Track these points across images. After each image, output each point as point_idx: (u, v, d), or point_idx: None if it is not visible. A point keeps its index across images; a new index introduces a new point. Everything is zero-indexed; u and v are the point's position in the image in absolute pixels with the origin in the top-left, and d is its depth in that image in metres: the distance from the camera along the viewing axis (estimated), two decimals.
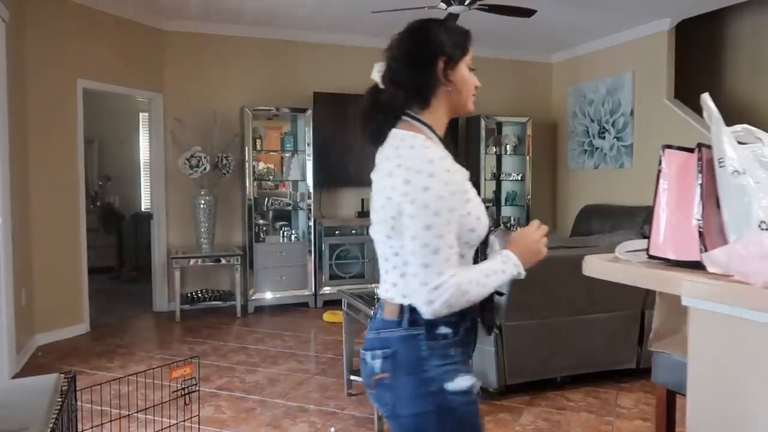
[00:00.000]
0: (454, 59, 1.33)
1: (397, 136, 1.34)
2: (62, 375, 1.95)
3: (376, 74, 1.38)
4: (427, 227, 1.22)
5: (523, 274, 1.32)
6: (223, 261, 5.65)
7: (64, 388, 1.89)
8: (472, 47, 1.38)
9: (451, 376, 1.29)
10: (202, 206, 5.59)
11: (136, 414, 2.85)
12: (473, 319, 1.38)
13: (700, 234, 1.13)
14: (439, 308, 1.24)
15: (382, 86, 1.37)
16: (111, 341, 4.76)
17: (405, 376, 1.30)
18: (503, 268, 1.30)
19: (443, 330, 1.30)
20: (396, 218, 1.28)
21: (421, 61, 1.33)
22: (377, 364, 1.33)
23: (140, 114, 7.93)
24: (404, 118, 1.35)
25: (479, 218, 1.31)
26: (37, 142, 4.62)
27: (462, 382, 1.30)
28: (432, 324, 1.29)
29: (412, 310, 1.30)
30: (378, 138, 1.39)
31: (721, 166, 1.13)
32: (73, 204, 4.95)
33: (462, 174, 1.32)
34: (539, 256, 1.35)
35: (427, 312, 1.25)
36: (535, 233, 1.36)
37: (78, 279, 4.99)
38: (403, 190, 1.25)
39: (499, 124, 6.83)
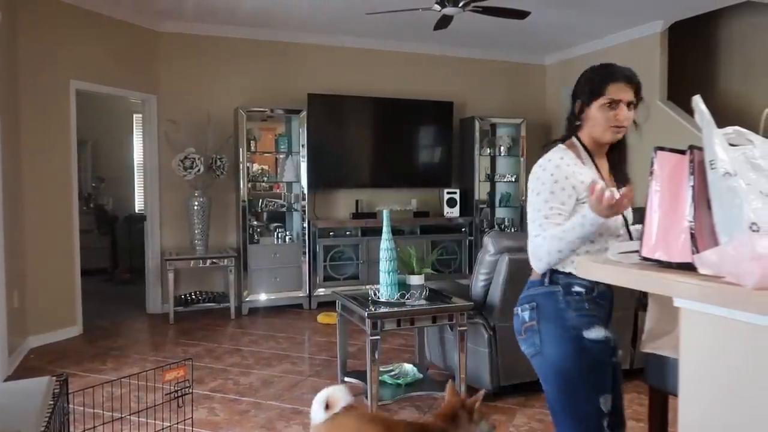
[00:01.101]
0: (585, 103, 1.74)
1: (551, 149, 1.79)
2: (54, 378, 1.94)
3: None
4: (530, 204, 1.70)
5: (601, 219, 1.56)
6: (218, 262, 5.64)
7: (56, 390, 1.88)
8: (613, 86, 1.71)
9: (587, 325, 1.67)
10: (196, 208, 5.58)
11: (129, 416, 2.84)
12: (602, 285, 1.67)
13: (692, 236, 1.13)
14: (537, 263, 1.69)
15: None
16: (104, 343, 4.73)
17: (548, 322, 1.70)
18: (581, 221, 1.59)
19: (577, 288, 1.69)
20: (528, 208, 1.75)
21: (572, 101, 1.80)
22: (526, 314, 1.75)
23: (134, 115, 7.90)
24: (572, 137, 1.79)
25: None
26: (30, 144, 4.60)
27: (595, 332, 1.66)
28: (567, 284, 1.69)
29: (552, 272, 1.72)
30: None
31: (712, 168, 1.13)
32: (66, 205, 4.93)
33: (577, 179, 1.68)
34: (612, 211, 1.54)
35: (536, 267, 1.72)
36: (596, 204, 1.54)
37: (71, 281, 4.97)
38: (529, 185, 1.76)
39: (494, 126, 6.85)
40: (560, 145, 1.76)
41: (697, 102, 1.19)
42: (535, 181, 1.71)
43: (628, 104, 1.72)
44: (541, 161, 1.73)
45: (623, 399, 1.81)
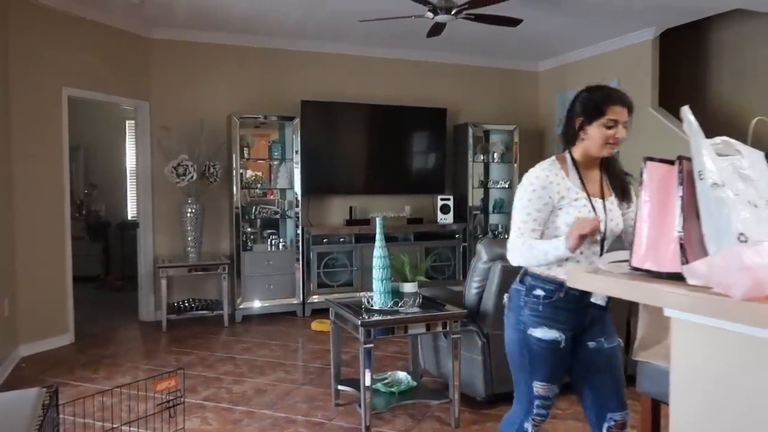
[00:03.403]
0: (586, 121, 1.94)
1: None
2: (44, 389, 1.92)
3: None
4: (514, 206, 1.99)
5: (564, 246, 1.82)
6: (211, 270, 5.60)
7: (46, 402, 1.87)
8: (613, 108, 1.90)
9: (535, 324, 1.93)
10: (189, 214, 5.56)
11: (120, 427, 2.82)
12: (570, 292, 1.89)
13: (681, 246, 1.14)
14: (511, 258, 1.97)
15: None
16: (96, 352, 4.70)
17: (511, 312, 2.03)
18: (555, 249, 1.84)
19: (537, 292, 1.95)
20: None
21: (568, 118, 2.00)
22: (505, 301, 2.09)
23: (127, 122, 7.89)
24: (565, 151, 2.03)
25: (570, 219, 1.90)
26: (22, 150, 4.57)
27: (541, 332, 1.93)
28: (531, 286, 1.97)
29: (525, 272, 2.02)
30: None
31: (701, 179, 1.14)
32: (58, 212, 4.90)
33: (553, 189, 1.92)
34: (584, 229, 1.78)
35: (510, 260, 1.98)
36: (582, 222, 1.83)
37: (63, 288, 4.93)
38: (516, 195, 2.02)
39: (487, 132, 6.87)
40: (551, 158, 2.00)
41: (686, 113, 1.20)
42: (520, 187, 1.98)
43: (624, 124, 1.92)
44: (529, 171, 1.98)
45: (612, 387, 2.03)
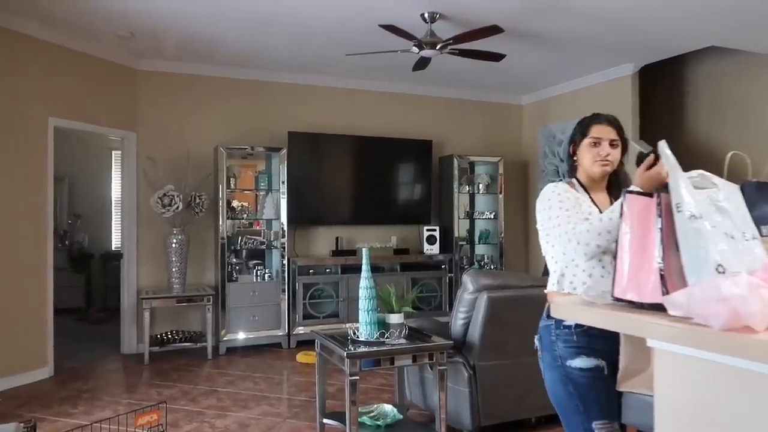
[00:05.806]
0: (576, 142, 2.05)
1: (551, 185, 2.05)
2: (21, 424, 1.88)
3: None
4: (545, 216, 1.92)
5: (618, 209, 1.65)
6: (195, 301, 5.54)
7: None
8: (596, 127, 2.00)
9: (572, 355, 1.84)
10: (174, 245, 5.52)
11: None
12: None
13: (662, 277, 1.16)
14: (585, 247, 1.78)
15: None
16: (75, 386, 4.59)
17: (545, 351, 1.94)
18: (610, 208, 1.74)
19: (568, 322, 1.83)
20: (540, 230, 1.97)
21: (568, 145, 2.11)
22: (536, 344, 2.01)
23: (113, 152, 7.88)
24: (572, 178, 2.08)
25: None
26: (5, 180, 4.54)
27: (580, 361, 1.83)
28: (559, 318, 1.83)
29: (550, 307, 1.87)
30: None
31: (678, 211, 1.17)
32: (40, 243, 4.84)
33: (579, 200, 1.94)
34: (656, 179, 1.54)
35: (583, 252, 1.80)
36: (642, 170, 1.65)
37: (43, 320, 4.84)
38: (537, 209, 1.99)
39: (472, 164, 6.95)
40: (562, 182, 2.05)
41: (663, 147, 1.24)
42: (543, 199, 1.97)
43: (611, 142, 1.98)
44: (546, 189, 2.00)
45: None
